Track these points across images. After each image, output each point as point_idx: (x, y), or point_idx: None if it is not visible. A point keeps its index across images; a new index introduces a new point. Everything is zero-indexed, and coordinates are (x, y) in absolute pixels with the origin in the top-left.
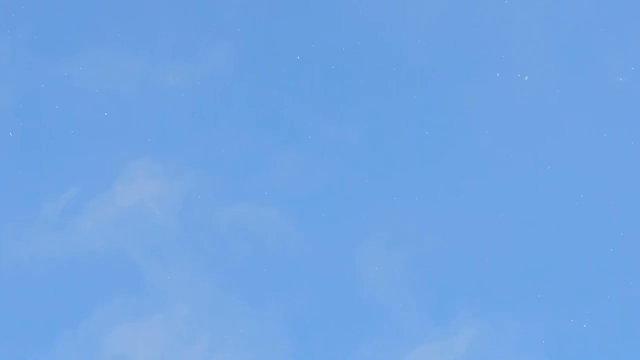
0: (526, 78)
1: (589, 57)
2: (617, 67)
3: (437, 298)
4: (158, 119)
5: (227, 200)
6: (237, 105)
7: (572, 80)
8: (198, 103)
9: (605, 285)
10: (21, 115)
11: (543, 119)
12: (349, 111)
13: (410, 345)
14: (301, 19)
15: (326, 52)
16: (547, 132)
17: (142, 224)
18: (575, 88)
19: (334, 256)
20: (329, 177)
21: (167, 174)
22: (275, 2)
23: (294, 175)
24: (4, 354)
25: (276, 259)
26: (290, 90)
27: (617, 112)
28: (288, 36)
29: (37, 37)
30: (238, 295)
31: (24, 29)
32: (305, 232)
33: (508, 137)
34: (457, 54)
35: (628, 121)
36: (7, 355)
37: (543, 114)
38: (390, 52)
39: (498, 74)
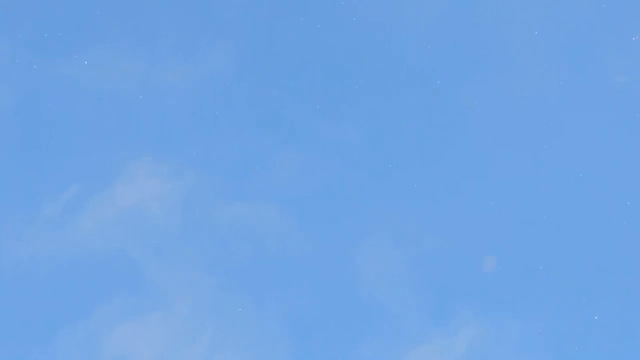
0: None
1: (589, 57)
2: (617, 67)
3: (437, 298)
4: (158, 118)
5: (227, 199)
6: (237, 104)
7: (572, 80)
8: (198, 103)
9: (605, 285)
10: (21, 114)
11: (543, 118)
12: (349, 111)
13: (410, 345)
14: (301, 19)
15: (326, 52)
16: (547, 132)
17: (142, 223)
18: (575, 88)
19: (334, 256)
20: (329, 176)
21: (167, 174)
22: (276, 2)
23: (294, 175)
24: (5, 353)
25: (276, 258)
26: (290, 90)
27: (617, 112)
28: (288, 36)
29: (37, 37)
30: (238, 295)
31: (25, 28)
32: (305, 231)
33: (508, 137)
34: (457, 54)
35: (628, 121)
36: (8, 354)
37: (543, 114)
38: (391, 52)
39: (495, 75)
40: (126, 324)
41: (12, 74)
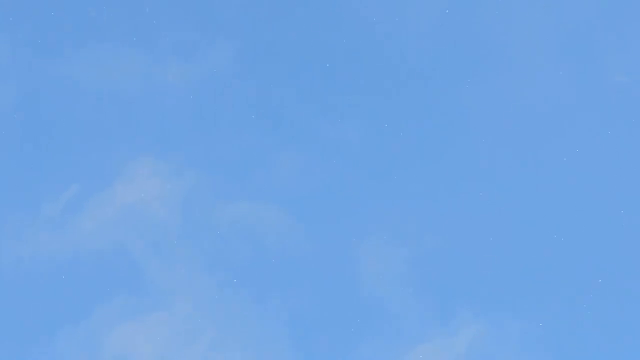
0: None
1: (589, 57)
2: (617, 67)
3: (438, 297)
4: (159, 117)
5: (228, 199)
6: (237, 104)
7: (572, 80)
8: (198, 102)
9: (605, 285)
10: (22, 113)
11: (543, 118)
12: (350, 111)
13: (411, 344)
14: (302, 19)
15: (327, 52)
16: (547, 131)
17: (143, 222)
18: (576, 88)
19: (335, 255)
20: (330, 176)
21: (167, 173)
22: (277, 2)
23: (295, 174)
24: (6, 352)
25: (277, 257)
26: (291, 89)
27: (617, 112)
28: (289, 36)
29: (38, 36)
30: (239, 294)
31: (25, 28)
32: (306, 231)
33: (508, 137)
34: (457, 54)
35: (628, 121)
36: (9, 353)
37: (543, 114)
38: (391, 52)
39: (495, 75)
40: (126, 324)
41: (12, 74)
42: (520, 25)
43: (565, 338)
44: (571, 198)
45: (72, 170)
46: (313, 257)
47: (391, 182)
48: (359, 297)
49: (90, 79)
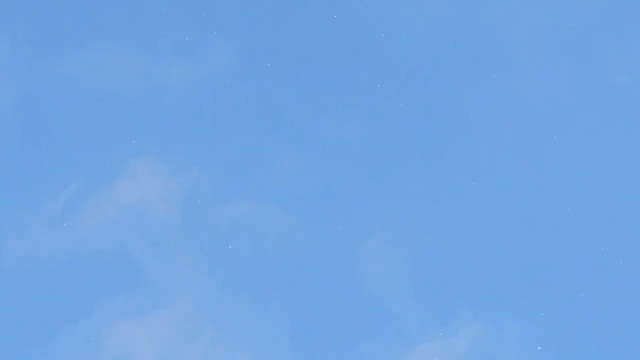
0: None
1: (589, 57)
2: (617, 67)
3: (438, 297)
4: (160, 116)
5: (229, 198)
6: (238, 103)
7: (572, 80)
8: (200, 101)
9: (606, 285)
10: (22, 112)
11: (543, 118)
12: (350, 110)
13: (411, 344)
14: (303, 19)
15: (327, 52)
16: (547, 131)
17: (144, 221)
18: (575, 88)
19: (335, 255)
20: (331, 175)
21: (168, 172)
22: (277, 2)
23: (295, 174)
24: (5, 351)
25: (277, 257)
26: (291, 89)
27: (617, 112)
28: (289, 36)
29: (38, 35)
30: (239, 293)
31: (26, 27)
32: (306, 230)
33: (508, 137)
34: (457, 54)
35: (628, 121)
36: (8, 352)
37: (543, 114)
38: (391, 52)
39: (495, 75)
40: (127, 323)
41: (12, 72)
42: (520, 25)
43: (565, 338)
44: (571, 198)
45: (72, 169)
46: (313, 256)
47: (391, 181)
48: (359, 296)
49: (91, 77)
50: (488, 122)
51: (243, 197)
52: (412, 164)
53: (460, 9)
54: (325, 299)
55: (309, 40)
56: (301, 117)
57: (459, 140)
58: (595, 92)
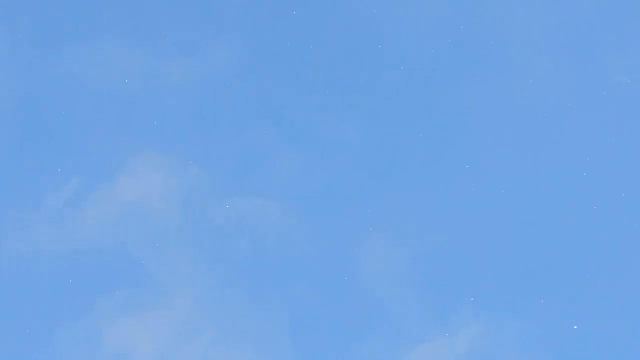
0: None
1: (589, 57)
2: (617, 67)
3: (439, 296)
4: (161, 114)
5: (230, 195)
6: (239, 101)
7: (572, 80)
8: (201, 99)
9: (606, 285)
10: (23, 109)
11: (544, 118)
12: (351, 109)
13: (411, 344)
14: (306, 17)
15: (329, 51)
16: (547, 131)
17: (145, 217)
18: (576, 88)
19: (336, 253)
20: (332, 173)
21: (169, 169)
22: (280, 0)
23: (296, 172)
24: (5, 347)
25: (278, 255)
26: (293, 87)
27: (617, 112)
28: (292, 34)
29: (39, 30)
30: (239, 291)
31: (27, 23)
32: (307, 228)
33: (509, 136)
34: (458, 54)
35: (628, 121)
36: (8, 348)
37: (544, 113)
38: (392, 51)
39: (495, 75)
40: (127, 318)
41: (13, 68)
42: (520, 25)
43: (565, 338)
44: (571, 198)
45: (73, 166)
46: (313, 255)
47: (392, 180)
48: (359, 295)
49: (93, 75)
50: (488, 121)
51: (243, 195)
52: (413, 163)
53: (460, 9)
54: (325, 297)
55: (310, 39)
56: (302, 115)
57: (460, 139)
58: (595, 92)
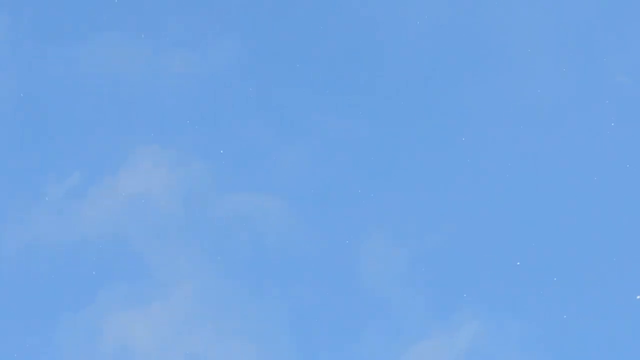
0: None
1: (590, 57)
2: (617, 67)
3: (440, 294)
4: (164, 108)
5: (231, 190)
6: (242, 97)
7: (572, 80)
8: (204, 93)
9: (605, 285)
10: (27, 102)
11: (544, 118)
12: (353, 108)
13: (412, 341)
14: (308, 14)
15: (331, 49)
16: (547, 131)
17: (146, 211)
18: (576, 88)
19: (337, 250)
20: (334, 171)
21: (171, 162)
22: None
23: (298, 168)
24: (6, 338)
25: (279, 250)
26: (295, 84)
27: (617, 112)
28: (295, 30)
29: (43, 24)
30: (240, 286)
31: (31, 16)
32: (308, 225)
33: (510, 136)
34: (459, 53)
35: (628, 121)
36: (9, 339)
37: (544, 113)
38: (393, 50)
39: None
40: (128, 311)
41: (17, 61)
42: (520, 25)
43: (565, 338)
44: (572, 198)
45: (75, 159)
46: (314, 252)
47: (393, 179)
48: (360, 292)
49: (96, 68)
50: (489, 121)
51: (245, 190)
52: (414, 162)
53: (460, 9)
54: (326, 294)
55: (313, 37)
56: (305, 112)
57: (460, 139)
58: (595, 92)
